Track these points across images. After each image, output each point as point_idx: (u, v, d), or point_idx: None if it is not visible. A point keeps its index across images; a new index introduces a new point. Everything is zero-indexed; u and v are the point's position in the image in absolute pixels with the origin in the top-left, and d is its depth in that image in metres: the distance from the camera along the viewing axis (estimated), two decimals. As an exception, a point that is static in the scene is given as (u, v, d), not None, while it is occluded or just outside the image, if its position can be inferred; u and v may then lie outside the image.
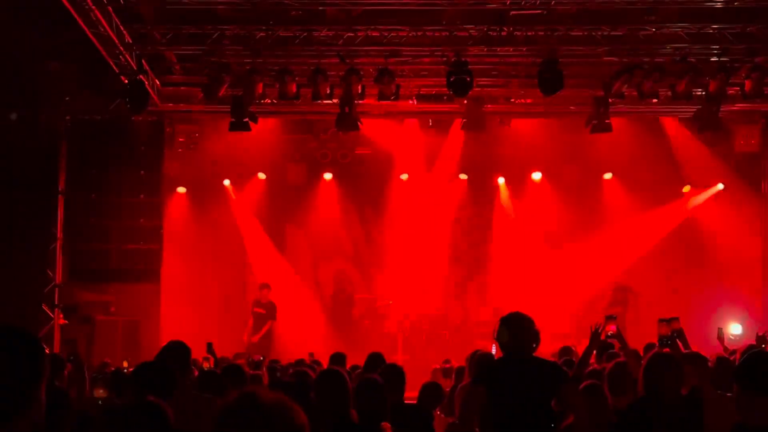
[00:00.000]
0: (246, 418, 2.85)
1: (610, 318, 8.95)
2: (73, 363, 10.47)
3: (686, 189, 22.75)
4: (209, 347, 13.07)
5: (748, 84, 17.19)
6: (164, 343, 7.86)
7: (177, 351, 7.43)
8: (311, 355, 15.14)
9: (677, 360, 6.94)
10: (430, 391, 9.28)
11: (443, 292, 22.80)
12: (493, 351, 12.63)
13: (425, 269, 22.74)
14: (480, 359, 9.42)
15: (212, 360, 13.03)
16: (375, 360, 10.27)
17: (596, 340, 8.62)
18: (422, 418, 8.28)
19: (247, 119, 18.00)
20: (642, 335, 14.93)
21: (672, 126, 21.08)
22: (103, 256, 19.72)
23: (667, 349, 7.84)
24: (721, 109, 18.23)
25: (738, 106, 19.14)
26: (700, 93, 17.92)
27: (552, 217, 22.98)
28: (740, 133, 20.59)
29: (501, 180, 23.35)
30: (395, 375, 8.18)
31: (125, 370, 12.85)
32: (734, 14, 16.52)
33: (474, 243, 23.49)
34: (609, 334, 8.81)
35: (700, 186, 22.49)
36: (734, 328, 20.31)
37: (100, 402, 7.31)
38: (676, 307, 18.55)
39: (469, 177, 23.29)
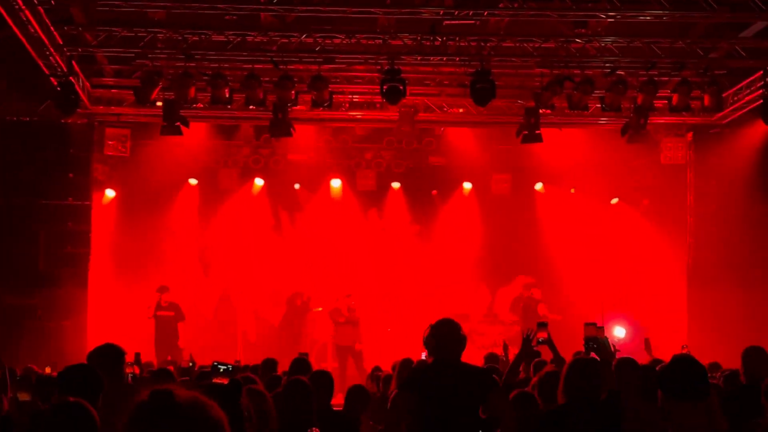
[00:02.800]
0: (161, 416, 2.79)
1: (541, 325, 9.01)
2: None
3: (614, 201, 23.11)
4: (137, 358, 12.94)
5: (675, 97, 17.50)
6: (91, 348, 7.76)
7: (108, 354, 7.33)
8: (238, 362, 14.95)
9: (597, 366, 7.02)
10: (356, 395, 9.27)
11: (374, 300, 22.82)
12: (423, 357, 12.71)
13: (354, 277, 22.77)
14: (408, 365, 9.45)
15: (137, 369, 12.86)
16: (300, 365, 10.12)
17: (527, 346, 8.67)
18: (349, 423, 8.30)
19: (178, 123, 17.88)
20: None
21: (601, 137, 21.35)
22: (30, 259, 19.41)
23: (593, 353, 7.92)
24: (649, 122, 18.55)
25: (665, 119, 19.49)
26: (628, 105, 18.20)
27: (482, 226, 23.23)
28: (667, 145, 20.95)
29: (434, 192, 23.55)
30: (324, 381, 8.18)
31: (50, 376, 12.66)
32: (663, 29, 16.82)
33: (406, 251, 23.55)
34: (540, 340, 8.87)
35: (627, 197, 22.84)
36: (618, 332, 20.79)
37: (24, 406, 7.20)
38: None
39: (402, 185, 23.41)
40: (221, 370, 6.48)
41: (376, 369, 13.98)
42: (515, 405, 7.75)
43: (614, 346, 8.09)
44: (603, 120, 19.70)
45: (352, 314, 21.01)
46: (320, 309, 22.40)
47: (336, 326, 21.00)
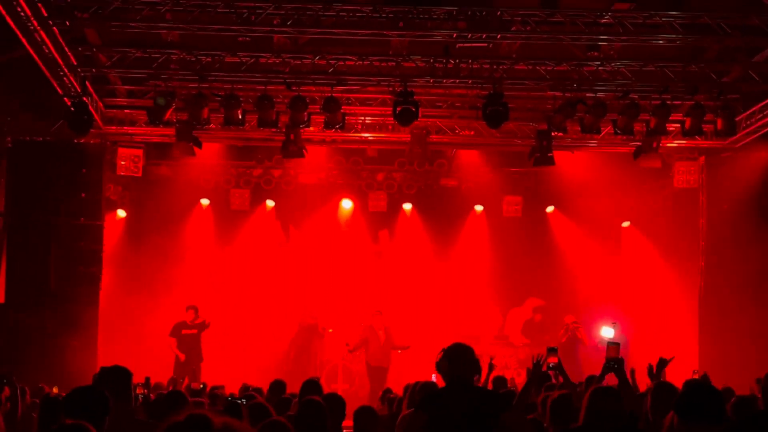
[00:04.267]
0: None
1: (551, 350, 9.01)
2: (9, 386, 10.30)
3: (626, 224, 23.07)
4: (147, 381, 12.91)
5: (688, 121, 17.47)
6: (100, 368, 7.75)
7: (115, 375, 7.32)
8: (244, 384, 14.83)
9: (618, 393, 7.01)
10: (365, 416, 9.21)
11: (386, 322, 22.77)
12: (433, 379, 12.66)
13: (365, 299, 22.74)
14: (423, 388, 9.41)
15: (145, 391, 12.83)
16: (311, 387, 10.08)
17: (538, 371, 8.66)
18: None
19: (191, 144, 17.95)
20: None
21: (613, 161, 21.32)
22: (41, 278, 19.41)
23: (612, 374, 7.93)
24: (662, 146, 18.53)
25: (678, 143, 19.46)
26: (641, 129, 18.18)
27: (494, 249, 23.23)
28: (680, 169, 20.87)
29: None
30: (335, 404, 8.16)
31: (57, 396, 12.64)
32: (675, 53, 16.84)
33: (417, 273, 23.52)
34: (550, 365, 8.87)
35: (640, 221, 22.80)
36: (606, 332, 20.71)
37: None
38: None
39: (414, 207, 23.42)
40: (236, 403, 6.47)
41: (387, 391, 13.91)
42: (527, 427, 7.73)
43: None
44: (615, 143, 19.66)
45: (388, 335, 20.82)
46: (331, 330, 22.37)
47: (368, 346, 20.76)
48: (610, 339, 9.09)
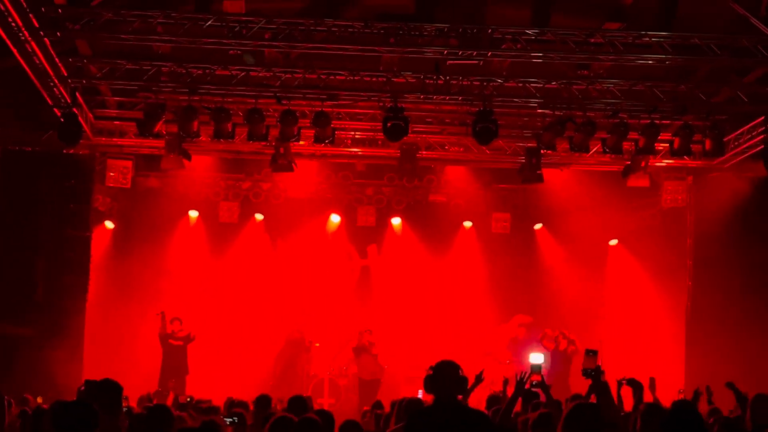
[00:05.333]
0: None
1: (535, 368, 9.01)
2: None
3: (613, 242, 23.10)
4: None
5: (676, 141, 17.53)
6: (86, 378, 7.71)
7: (105, 389, 7.27)
8: (229, 398, 14.76)
9: (598, 408, 6.99)
10: (349, 430, 9.18)
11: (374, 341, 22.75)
12: (420, 395, 12.65)
13: (352, 315, 22.73)
14: (409, 406, 9.40)
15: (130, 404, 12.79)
16: (298, 403, 9.99)
17: (521, 389, 8.66)
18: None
19: (180, 156, 17.94)
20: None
21: (601, 179, 21.37)
22: (29, 288, 19.35)
23: (590, 381, 7.95)
24: (650, 165, 18.59)
25: (666, 163, 19.52)
26: (630, 148, 18.24)
27: (482, 265, 23.24)
28: (668, 188, 20.90)
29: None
30: (325, 421, 8.14)
31: (40, 407, 12.57)
32: (665, 73, 16.90)
33: (405, 289, 23.50)
34: (534, 383, 8.87)
35: (627, 240, 22.83)
36: (535, 358, 20.70)
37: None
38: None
39: (402, 222, 23.43)
40: (228, 422, 6.46)
41: (377, 406, 13.86)
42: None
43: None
44: (604, 162, 19.70)
45: (373, 349, 20.88)
46: (318, 344, 22.32)
47: (360, 360, 20.74)
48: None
